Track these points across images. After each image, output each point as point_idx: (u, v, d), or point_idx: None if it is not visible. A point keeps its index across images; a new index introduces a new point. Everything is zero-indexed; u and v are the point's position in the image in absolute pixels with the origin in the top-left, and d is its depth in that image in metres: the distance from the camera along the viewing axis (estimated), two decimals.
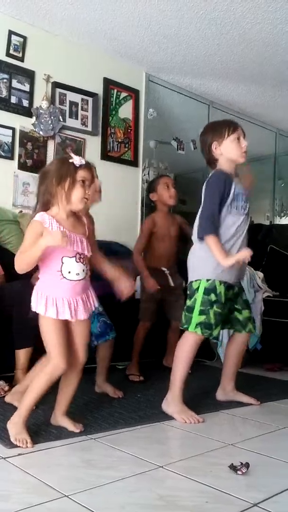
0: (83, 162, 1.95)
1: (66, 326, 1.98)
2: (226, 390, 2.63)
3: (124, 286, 2.11)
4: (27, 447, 1.83)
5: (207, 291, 2.35)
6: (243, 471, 1.65)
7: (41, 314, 1.93)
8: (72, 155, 1.95)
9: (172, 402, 2.34)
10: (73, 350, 2.03)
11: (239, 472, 1.65)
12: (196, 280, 2.40)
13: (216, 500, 1.47)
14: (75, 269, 1.95)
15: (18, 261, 1.90)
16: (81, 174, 1.93)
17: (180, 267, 3.05)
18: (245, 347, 2.70)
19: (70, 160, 1.93)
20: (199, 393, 2.73)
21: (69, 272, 1.94)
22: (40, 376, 1.95)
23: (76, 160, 1.93)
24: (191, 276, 2.44)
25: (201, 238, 2.36)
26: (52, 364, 1.93)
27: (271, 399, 2.73)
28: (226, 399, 2.61)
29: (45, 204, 1.96)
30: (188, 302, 2.41)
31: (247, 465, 1.67)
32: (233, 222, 2.41)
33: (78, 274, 1.95)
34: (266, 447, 1.95)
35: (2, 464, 1.70)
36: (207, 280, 2.36)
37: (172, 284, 3.23)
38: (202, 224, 2.36)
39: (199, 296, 2.36)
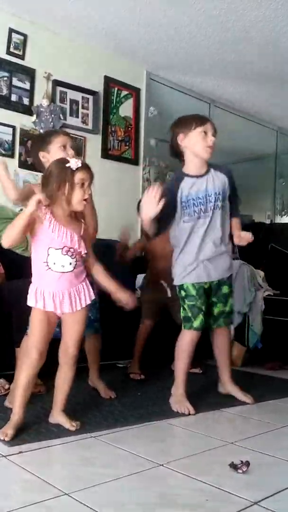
0: (79, 164, 1.97)
1: (52, 321, 2.02)
2: (223, 382, 2.68)
3: (124, 299, 2.10)
4: (5, 439, 1.85)
5: (178, 290, 2.53)
6: (244, 469, 1.65)
7: (32, 306, 2.00)
8: (69, 158, 1.99)
9: (175, 394, 2.44)
10: (64, 344, 2.08)
11: (239, 471, 1.65)
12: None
13: (216, 499, 1.46)
14: (60, 261, 1.97)
15: (5, 234, 1.94)
16: (79, 177, 1.96)
17: None
18: (229, 339, 2.71)
19: (67, 165, 1.95)
20: (201, 391, 2.73)
21: (54, 264, 1.97)
22: (19, 370, 2.03)
23: (72, 164, 1.95)
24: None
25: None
26: (27, 355, 2.00)
27: (272, 397, 2.72)
28: (225, 391, 2.66)
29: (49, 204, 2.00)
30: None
31: (247, 464, 1.66)
32: (189, 226, 2.44)
33: (63, 266, 1.98)
34: (266, 445, 1.95)
35: (3, 462, 1.70)
36: (181, 286, 2.51)
37: (169, 295, 3.19)
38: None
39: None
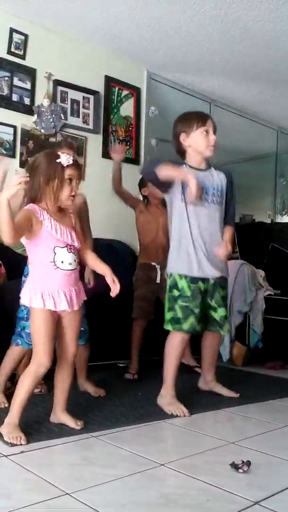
0: (71, 161, 1.96)
1: (55, 322, 2.00)
2: (206, 380, 2.73)
3: (110, 283, 2.07)
4: (21, 444, 1.83)
5: (170, 289, 2.46)
6: (245, 469, 1.65)
7: (35, 308, 1.94)
8: (60, 153, 1.97)
9: (164, 396, 2.43)
10: (63, 343, 2.05)
11: (240, 471, 1.65)
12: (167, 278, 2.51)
13: (217, 498, 1.47)
14: (67, 259, 1.97)
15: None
16: (68, 173, 1.96)
17: None
18: (220, 343, 2.79)
19: (58, 160, 1.94)
20: (201, 391, 2.73)
21: (62, 262, 1.96)
22: (25, 375, 1.97)
23: (64, 160, 1.94)
24: None
25: (148, 173, 2.44)
26: (36, 361, 1.95)
27: (273, 397, 2.73)
28: (208, 388, 2.72)
29: (33, 199, 1.97)
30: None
31: (248, 464, 1.67)
32: (189, 211, 2.43)
33: (70, 263, 1.98)
34: (267, 445, 1.96)
35: (4, 462, 1.70)
36: (169, 276, 2.47)
37: (158, 280, 3.17)
38: (149, 163, 2.44)
39: (166, 294, 2.48)
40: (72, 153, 2.37)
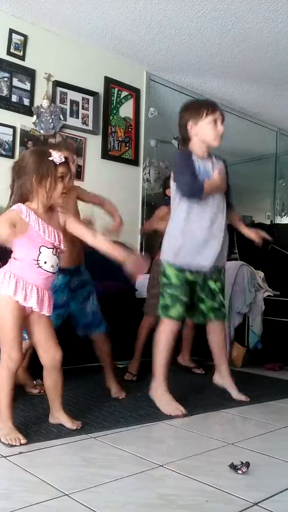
0: (63, 159, 1.94)
1: (24, 318, 1.94)
2: (222, 374, 2.66)
3: (132, 266, 1.97)
4: (20, 444, 1.82)
5: (162, 273, 2.48)
6: (244, 470, 1.65)
7: (5, 296, 1.88)
8: (52, 151, 1.94)
9: (157, 390, 2.41)
10: (45, 348, 1.99)
11: (239, 471, 1.65)
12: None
13: (217, 499, 1.46)
14: (50, 261, 1.94)
15: None
16: (60, 170, 1.95)
17: None
18: (223, 334, 2.68)
19: (50, 158, 1.91)
20: (201, 391, 2.73)
21: (45, 263, 1.93)
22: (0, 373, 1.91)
23: (56, 157, 1.92)
24: None
25: (198, 198, 2.36)
26: (5, 356, 1.88)
27: (272, 398, 2.72)
28: (222, 384, 2.65)
29: (22, 198, 1.94)
30: None
31: (247, 465, 1.66)
32: (201, 207, 2.41)
33: (52, 266, 1.95)
34: (266, 446, 1.95)
35: (3, 463, 1.70)
36: (161, 263, 2.48)
37: None
38: (189, 184, 2.34)
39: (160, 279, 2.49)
40: (70, 155, 2.38)
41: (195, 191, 2.33)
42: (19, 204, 1.92)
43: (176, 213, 2.45)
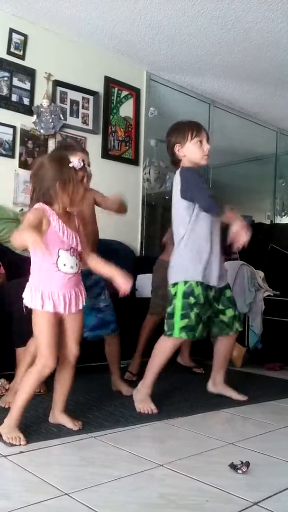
0: (82, 163, 1.97)
1: (58, 323, 1.99)
2: (216, 382, 2.69)
3: (120, 282, 2.02)
4: (20, 444, 1.83)
5: (185, 295, 2.39)
6: (244, 470, 1.65)
7: (37, 310, 1.94)
8: (72, 158, 1.96)
9: (140, 392, 2.43)
10: (65, 345, 2.04)
11: (239, 471, 1.65)
12: (173, 286, 2.44)
13: (216, 499, 1.47)
14: (70, 262, 1.96)
15: (15, 238, 1.84)
16: (81, 174, 1.99)
17: None
18: (234, 345, 2.74)
19: (70, 165, 1.93)
20: (201, 391, 2.73)
21: (65, 265, 1.95)
22: (28, 376, 1.96)
23: (76, 163, 1.94)
24: (169, 281, 2.48)
25: (217, 214, 2.36)
26: (42, 363, 1.93)
27: (272, 398, 2.73)
28: (216, 391, 2.68)
29: (44, 202, 1.96)
30: (168, 309, 2.44)
31: (247, 464, 1.66)
32: (209, 222, 2.43)
33: (72, 267, 1.97)
34: (266, 446, 1.95)
35: (3, 462, 1.70)
36: (185, 283, 2.40)
37: None
38: (211, 202, 2.34)
39: (178, 300, 2.40)
40: (86, 157, 2.39)
41: (220, 205, 2.35)
42: (41, 203, 1.93)
43: (197, 229, 2.43)
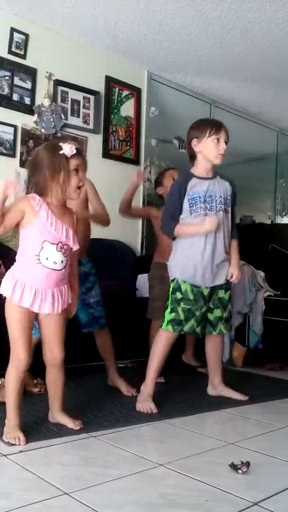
0: (74, 150, 1.89)
1: (31, 318, 1.93)
2: (214, 385, 2.71)
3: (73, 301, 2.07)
4: (20, 444, 1.83)
5: (174, 291, 2.49)
6: (244, 470, 1.65)
7: (7, 298, 1.89)
8: (62, 144, 1.90)
9: (142, 393, 2.45)
10: (48, 349, 2.01)
11: (239, 471, 1.65)
12: (171, 281, 2.54)
13: (217, 499, 1.46)
14: (53, 257, 1.90)
15: None
16: (73, 163, 1.90)
17: None
18: (221, 345, 2.77)
19: (61, 152, 1.88)
20: (202, 391, 2.73)
21: (47, 259, 1.89)
22: (7, 375, 1.93)
23: (67, 150, 1.88)
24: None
25: (167, 235, 2.55)
26: (14, 357, 1.90)
27: (272, 398, 2.72)
28: (216, 393, 2.69)
29: (38, 193, 1.93)
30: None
31: (247, 464, 1.66)
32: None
33: (55, 263, 1.90)
34: (266, 446, 1.95)
35: (3, 461, 1.70)
36: (173, 280, 2.51)
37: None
38: (165, 224, 2.53)
39: (170, 296, 2.51)
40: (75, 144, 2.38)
41: (167, 230, 2.54)
42: (34, 194, 1.91)
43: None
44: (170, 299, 2.50)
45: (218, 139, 2.47)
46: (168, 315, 2.48)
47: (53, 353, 2.01)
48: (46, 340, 2.01)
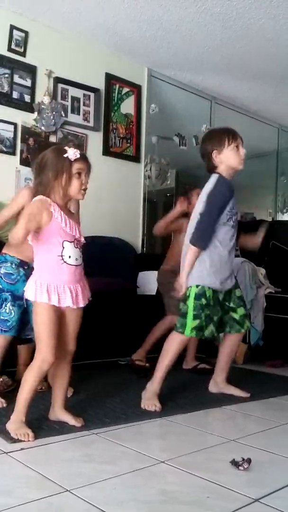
0: (78, 155, 1.95)
1: (59, 318, 1.99)
2: (217, 382, 2.72)
3: None
4: (29, 440, 1.84)
5: (197, 296, 2.45)
6: (245, 466, 1.65)
7: (40, 303, 1.93)
8: (67, 148, 1.96)
9: (148, 391, 2.45)
10: (64, 340, 2.04)
11: (240, 468, 1.65)
12: (189, 286, 2.47)
13: (218, 496, 1.47)
14: (74, 254, 1.98)
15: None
16: (76, 167, 1.95)
17: None
18: (238, 345, 2.79)
19: (65, 155, 1.94)
20: (202, 389, 2.73)
21: (70, 257, 1.96)
22: (29, 371, 1.96)
23: (71, 154, 1.94)
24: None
25: (193, 244, 2.44)
26: (40, 357, 1.94)
27: (273, 395, 2.73)
28: (218, 390, 2.70)
29: (42, 193, 1.97)
30: (182, 307, 2.48)
31: (248, 461, 1.67)
32: (231, 234, 2.50)
33: (77, 259, 1.99)
34: (267, 443, 1.96)
35: (4, 459, 1.70)
36: (197, 286, 2.45)
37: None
38: (199, 234, 2.44)
39: (190, 302, 2.45)
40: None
41: (202, 244, 2.43)
42: (41, 196, 1.95)
43: (220, 236, 2.48)
44: (193, 305, 2.44)
45: (237, 146, 2.48)
46: (191, 322, 2.43)
47: (69, 346, 2.06)
48: (64, 333, 2.04)
